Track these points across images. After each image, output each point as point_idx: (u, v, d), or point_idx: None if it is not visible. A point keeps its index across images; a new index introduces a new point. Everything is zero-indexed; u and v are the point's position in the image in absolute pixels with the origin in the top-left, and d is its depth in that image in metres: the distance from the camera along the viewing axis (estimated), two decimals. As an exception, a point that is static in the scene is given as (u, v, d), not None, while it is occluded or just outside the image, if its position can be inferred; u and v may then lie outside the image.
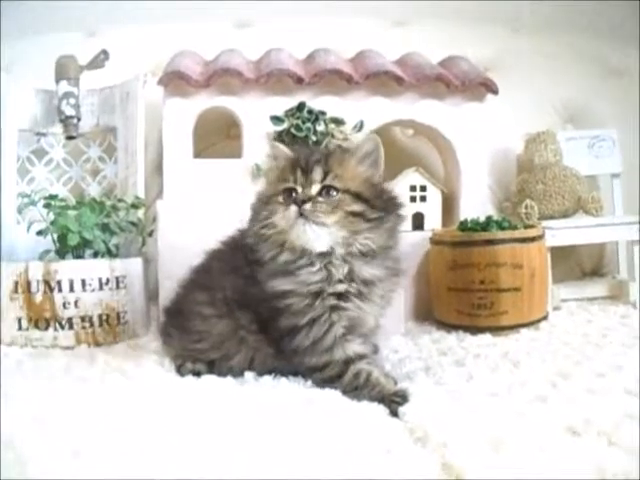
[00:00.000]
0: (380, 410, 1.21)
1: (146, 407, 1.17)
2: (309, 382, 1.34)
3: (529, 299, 1.82)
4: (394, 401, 1.23)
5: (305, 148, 1.42)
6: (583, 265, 2.56)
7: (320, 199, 1.28)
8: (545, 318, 1.91)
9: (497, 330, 1.79)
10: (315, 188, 1.29)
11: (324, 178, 1.29)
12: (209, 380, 1.37)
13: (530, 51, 2.67)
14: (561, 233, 2.08)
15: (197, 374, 1.42)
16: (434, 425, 1.06)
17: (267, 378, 1.37)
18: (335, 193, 1.29)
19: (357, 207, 1.30)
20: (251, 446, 0.97)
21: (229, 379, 1.37)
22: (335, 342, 1.31)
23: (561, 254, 2.25)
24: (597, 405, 1.12)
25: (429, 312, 2.00)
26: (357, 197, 1.30)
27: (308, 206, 1.26)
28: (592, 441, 0.97)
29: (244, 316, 1.40)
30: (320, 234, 1.27)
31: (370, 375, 1.30)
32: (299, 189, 1.29)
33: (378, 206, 1.32)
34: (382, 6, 2.65)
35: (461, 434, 1.01)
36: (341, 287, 1.31)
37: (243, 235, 1.46)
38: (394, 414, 1.19)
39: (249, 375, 1.39)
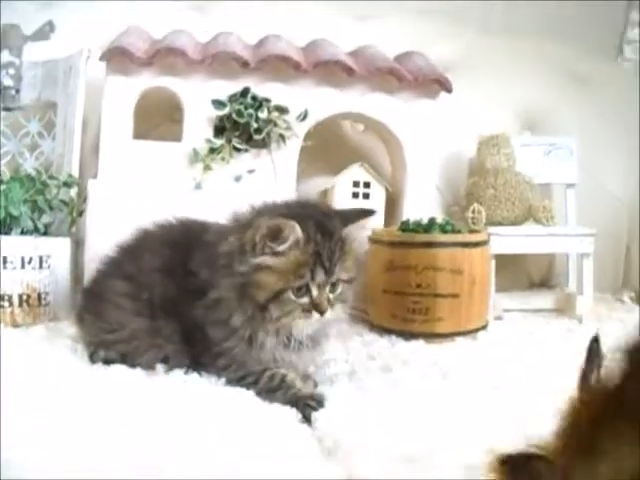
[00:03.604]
0: (291, 414, 1.16)
1: (48, 393, 1.12)
2: (222, 379, 1.28)
3: (467, 307, 1.76)
4: (308, 405, 1.18)
5: (318, 231, 1.21)
6: (531, 275, 2.50)
7: (331, 297, 1.23)
8: (484, 328, 1.84)
9: (432, 337, 1.72)
10: (329, 287, 1.22)
11: (338, 273, 1.23)
12: (117, 370, 1.31)
13: (495, 54, 2.61)
14: (509, 240, 2.01)
15: (109, 363, 1.35)
16: (345, 434, 1.02)
17: (178, 372, 1.31)
18: (339, 285, 1.25)
19: (349, 293, 1.29)
20: (147, 440, 0.93)
21: (138, 370, 1.31)
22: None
23: (508, 263, 2.20)
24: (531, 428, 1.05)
25: (364, 316, 1.91)
26: (350, 281, 1.28)
27: (329, 314, 1.22)
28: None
29: (168, 326, 1.33)
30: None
31: (285, 377, 1.26)
32: (315, 292, 1.20)
33: (356, 275, 1.30)
34: (348, -1, 2.59)
35: (373, 446, 0.96)
36: None
37: (183, 232, 1.41)
38: (307, 419, 1.14)
39: (160, 368, 1.33)
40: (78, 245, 1.92)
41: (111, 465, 0.83)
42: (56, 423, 0.96)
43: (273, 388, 1.24)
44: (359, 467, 0.88)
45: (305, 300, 1.20)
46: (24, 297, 1.72)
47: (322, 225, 1.22)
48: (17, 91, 2.09)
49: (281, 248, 1.18)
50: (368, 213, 1.37)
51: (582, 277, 2.14)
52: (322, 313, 1.20)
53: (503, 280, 2.11)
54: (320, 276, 1.19)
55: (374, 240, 1.88)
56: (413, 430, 1.03)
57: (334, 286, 1.23)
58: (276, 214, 1.21)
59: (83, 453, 0.86)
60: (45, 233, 1.84)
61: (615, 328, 1.86)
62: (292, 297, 1.19)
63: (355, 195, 2.07)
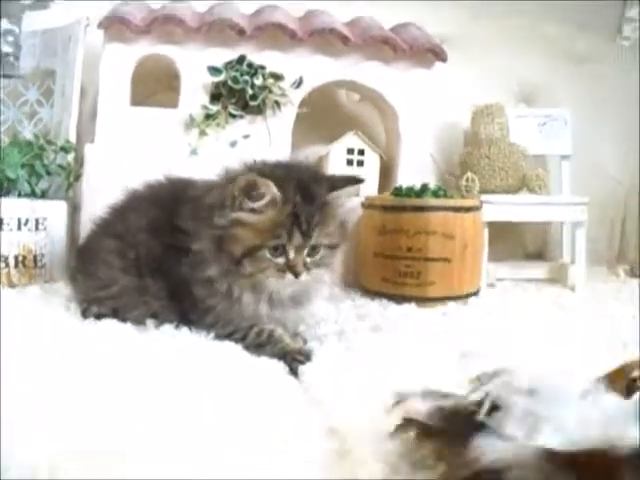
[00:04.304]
0: (279, 367, 1.18)
1: (42, 347, 1.14)
2: (211, 334, 1.29)
3: (459, 272, 1.77)
4: (296, 359, 1.20)
5: (297, 193, 1.22)
6: (526, 246, 2.52)
7: (309, 260, 1.24)
8: (476, 294, 1.85)
9: (423, 301, 1.73)
10: (306, 250, 1.23)
11: (317, 238, 1.24)
12: (108, 324, 1.33)
13: (492, 32, 2.61)
14: (502, 208, 2.02)
15: (100, 318, 1.37)
16: (329, 387, 1.04)
17: (168, 327, 1.32)
18: (320, 251, 1.25)
19: (332, 257, 1.30)
20: (139, 391, 0.94)
21: (128, 325, 1.33)
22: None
23: (504, 234, 2.22)
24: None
25: (357, 281, 1.95)
26: (333, 247, 1.29)
27: (304, 276, 1.22)
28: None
29: (155, 284, 1.35)
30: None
31: (272, 332, 1.28)
32: (291, 254, 1.21)
33: (340, 242, 1.31)
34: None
35: (354, 399, 0.97)
36: None
37: (170, 190, 1.43)
38: (294, 372, 1.16)
39: (150, 322, 1.34)
40: (75, 209, 1.96)
41: (104, 413, 0.85)
42: (50, 376, 0.97)
43: (261, 343, 1.26)
44: (342, 416, 0.90)
45: (281, 260, 1.21)
46: (20, 258, 1.76)
47: (304, 188, 1.23)
48: (16, 58, 2.11)
49: (256, 205, 1.19)
50: (357, 180, 1.38)
51: (575, 247, 2.15)
52: (296, 275, 1.21)
53: (498, 251, 2.13)
54: (297, 238, 1.20)
55: (367, 205, 1.90)
56: (396, 384, 1.04)
57: (314, 250, 1.24)
58: (257, 172, 1.22)
59: (77, 404, 0.87)
60: (42, 198, 1.87)
61: (607, 297, 1.89)
62: (267, 255, 1.20)
63: (349, 162, 2.10)
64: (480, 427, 0.67)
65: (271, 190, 1.18)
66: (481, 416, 0.68)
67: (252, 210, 1.20)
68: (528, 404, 0.67)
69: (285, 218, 1.19)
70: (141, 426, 0.82)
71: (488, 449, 0.64)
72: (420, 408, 0.78)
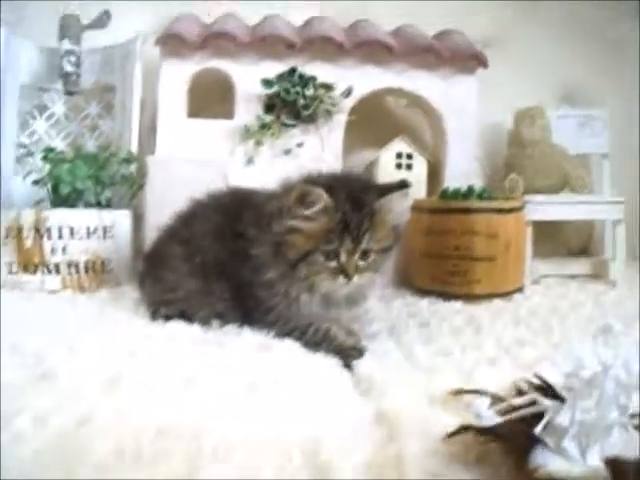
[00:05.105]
0: (333, 362, 1.25)
1: (113, 346, 1.22)
2: (272, 333, 1.37)
3: (503, 270, 1.85)
4: (350, 355, 1.28)
5: (347, 201, 1.28)
6: (570, 244, 2.55)
7: (361, 264, 1.30)
8: (520, 290, 1.93)
9: (470, 298, 1.81)
10: (358, 254, 1.29)
11: (367, 243, 1.30)
12: (175, 325, 1.41)
13: (530, 29, 2.67)
14: (543, 208, 2.10)
15: (169, 319, 1.46)
16: (379, 378, 1.10)
17: (231, 327, 1.41)
18: (371, 255, 1.31)
19: (384, 260, 1.36)
20: (210, 382, 1.03)
21: (195, 326, 1.41)
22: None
23: (548, 232, 2.29)
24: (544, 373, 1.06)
25: (408, 280, 2.03)
26: (385, 250, 1.35)
27: (356, 279, 1.29)
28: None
29: (219, 286, 1.44)
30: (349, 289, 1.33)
31: (328, 330, 1.35)
32: (343, 257, 1.28)
33: (393, 245, 1.37)
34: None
35: (401, 388, 1.04)
36: None
37: (232, 199, 1.52)
38: (348, 367, 1.23)
39: (215, 323, 1.43)
40: (138, 218, 2.06)
41: (182, 398, 0.94)
42: (123, 373, 1.03)
43: (318, 341, 1.34)
44: (387, 405, 0.96)
45: (333, 264, 1.29)
46: (90, 264, 1.87)
47: (353, 196, 1.29)
48: (78, 76, 2.23)
49: (309, 212, 1.27)
50: (403, 186, 1.46)
51: (616, 244, 2.21)
52: (348, 278, 1.28)
53: (543, 248, 2.21)
54: (348, 243, 1.26)
55: (415, 208, 1.99)
56: (439, 376, 1.11)
57: (365, 254, 1.31)
58: (311, 182, 1.30)
59: (162, 390, 0.97)
60: (107, 207, 1.99)
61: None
62: (321, 259, 1.28)
63: (399, 166, 2.18)
64: (538, 440, 0.73)
65: (323, 198, 1.25)
66: (538, 431, 0.73)
67: (306, 217, 1.27)
68: (581, 424, 0.72)
69: (336, 225, 1.27)
70: (214, 408, 0.91)
71: (545, 462, 0.69)
72: (482, 411, 0.87)
